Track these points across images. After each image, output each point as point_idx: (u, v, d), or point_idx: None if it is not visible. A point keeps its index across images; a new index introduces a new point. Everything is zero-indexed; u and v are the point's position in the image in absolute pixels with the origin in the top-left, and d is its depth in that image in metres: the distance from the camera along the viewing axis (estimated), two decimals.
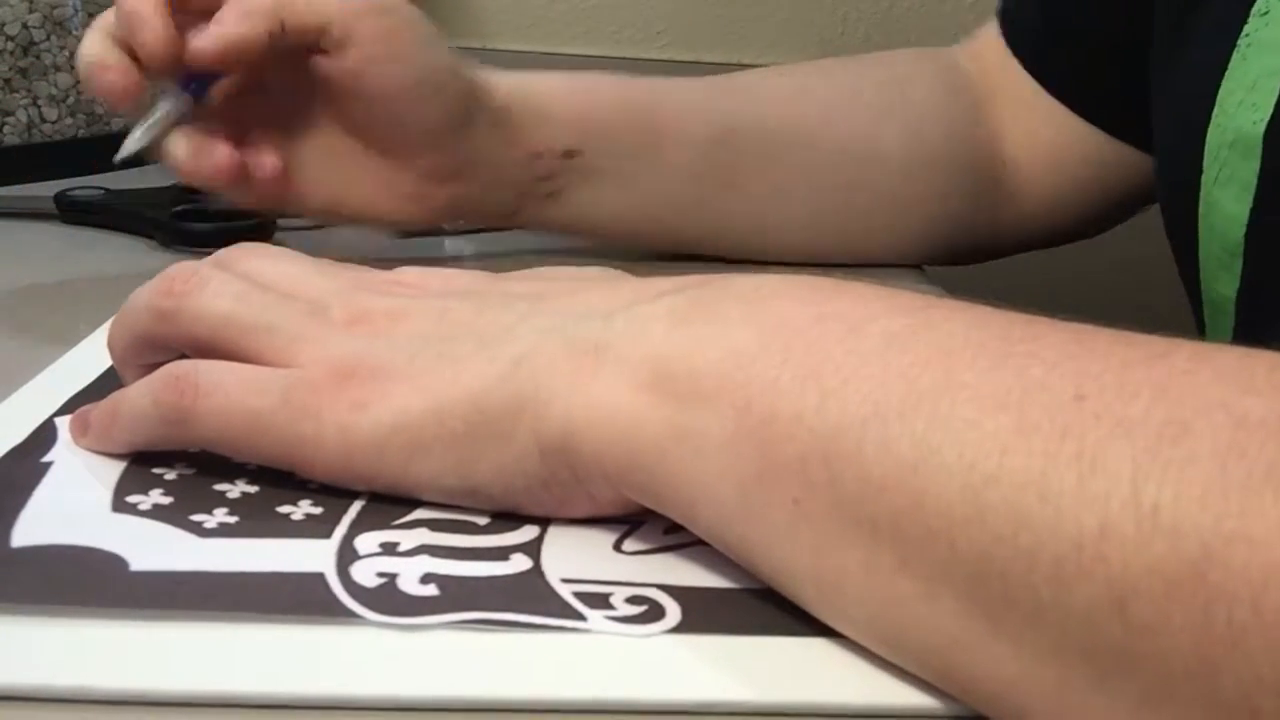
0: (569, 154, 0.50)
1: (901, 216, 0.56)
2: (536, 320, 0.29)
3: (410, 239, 0.56)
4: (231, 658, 0.23)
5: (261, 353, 0.29)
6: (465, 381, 0.28)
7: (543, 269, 0.35)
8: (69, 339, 0.39)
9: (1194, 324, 0.45)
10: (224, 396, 0.29)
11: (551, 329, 0.28)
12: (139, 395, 0.30)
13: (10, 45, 0.62)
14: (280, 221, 0.54)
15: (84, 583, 0.25)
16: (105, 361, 0.37)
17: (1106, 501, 0.20)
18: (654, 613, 0.25)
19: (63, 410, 0.33)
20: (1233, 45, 0.39)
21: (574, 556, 0.27)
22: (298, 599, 0.25)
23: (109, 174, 0.64)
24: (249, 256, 0.33)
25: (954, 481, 0.21)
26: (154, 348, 0.31)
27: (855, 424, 0.23)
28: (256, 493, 0.29)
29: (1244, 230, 0.38)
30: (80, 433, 0.31)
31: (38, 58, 0.63)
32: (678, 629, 0.25)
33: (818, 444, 0.23)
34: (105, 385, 0.35)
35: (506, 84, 0.49)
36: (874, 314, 0.25)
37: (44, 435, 0.32)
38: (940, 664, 0.23)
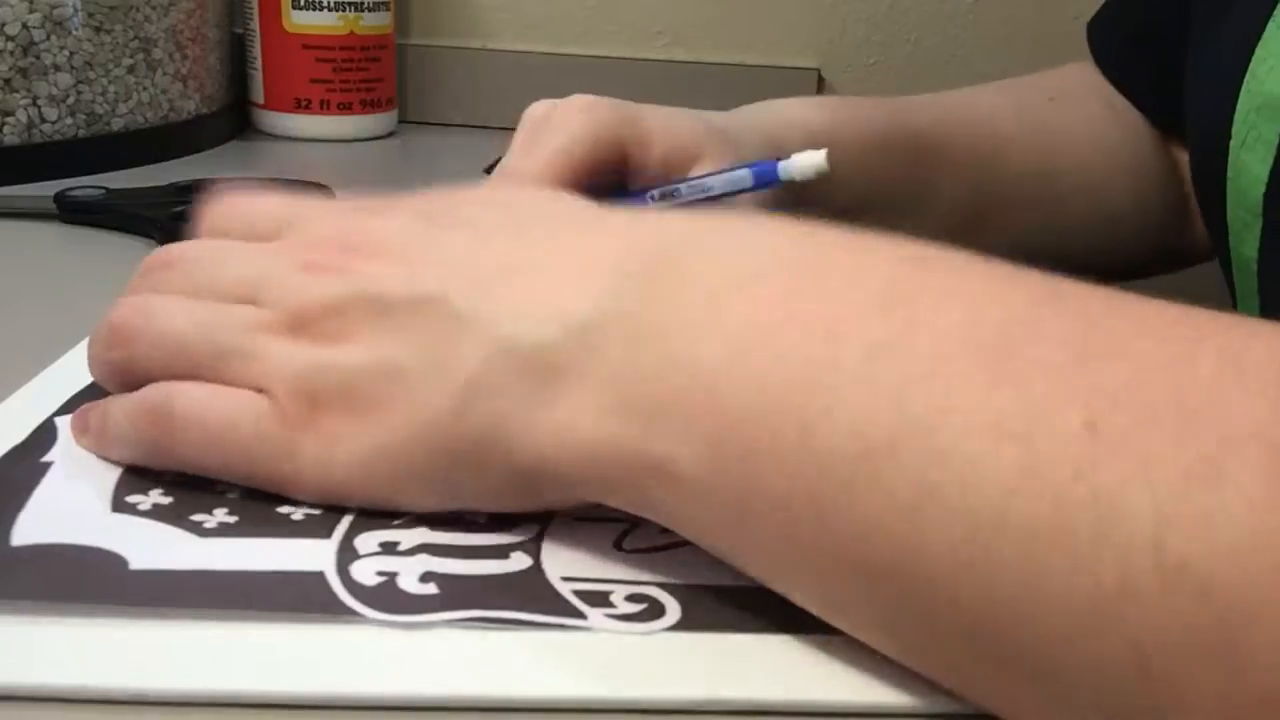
0: (842, 213, 0.49)
1: (1122, 242, 0.56)
2: (480, 331, 0.26)
3: None
4: (232, 657, 0.23)
5: (221, 378, 0.29)
6: (425, 417, 0.27)
7: (478, 197, 0.32)
8: (69, 339, 0.39)
9: (1213, 291, 0.45)
10: (200, 431, 0.29)
11: (498, 346, 0.26)
12: (122, 418, 0.30)
13: (10, 45, 0.62)
14: None
15: (84, 581, 0.25)
16: None
17: (1126, 554, 0.18)
18: (654, 610, 0.25)
19: (62, 410, 0.33)
20: (1269, 14, 0.39)
21: (574, 554, 0.27)
22: (298, 598, 0.25)
23: (109, 174, 0.65)
24: (184, 255, 0.32)
25: (956, 528, 0.20)
26: (123, 381, 0.31)
27: (843, 461, 0.21)
28: (256, 492, 0.29)
29: (1264, 190, 0.38)
30: (80, 431, 0.31)
31: (38, 58, 0.63)
32: (677, 626, 0.25)
33: (802, 483, 0.22)
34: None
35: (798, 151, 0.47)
36: (852, 314, 0.23)
37: (44, 435, 0.32)
38: (952, 686, 0.22)
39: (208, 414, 0.29)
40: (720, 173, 0.40)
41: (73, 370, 0.36)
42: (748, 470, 0.23)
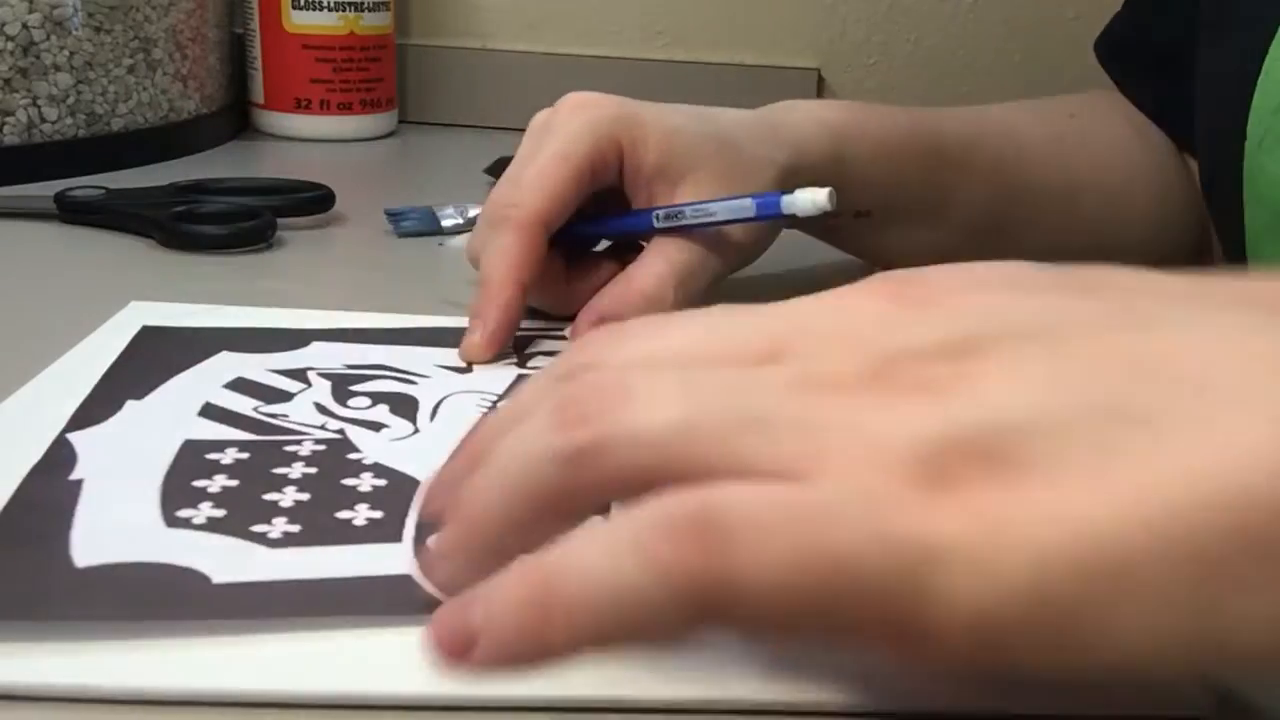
0: (859, 214, 0.47)
1: (1143, 264, 0.55)
2: (1257, 336, 0.17)
3: (406, 238, 0.56)
4: (233, 658, 0.23)
5: (758, 461, 0.18)
6: (1205, 464, 0.16)
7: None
8: (69, 339, 0.39)
9: None
10: (773, 544, 0.17)
11: None
12: (618, 564, 0.18)
13: (10, 45, 0.62)
14: (279, 221, 0.54)
15: (171, 599, 0.25)
16: (105, 362, 0.37)
17: None
18: None
19: (72, 426, 0.33)
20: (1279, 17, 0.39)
21: None
22: (395, 600, 0.25)
23: (109, 174, 0.65)
24: (639, 334, 0.22)
25: None
26: (559, 513, 0.20)
27: None
28: (309, 500, 0.29)
29: None
30: (454, 652, 0.19)
31: (38, 58, 0.63)
32: None
33: None
34: (104, 395, 0.35)
35: (821, 151, 0.45)
36: None
37: (62, 452, 0.31)
38: None
39: (775, 513, 0.18)
40: (725, 200, 0.41)
41: (73, 370, 0.36)
42: None
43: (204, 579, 0.25)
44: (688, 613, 0.18)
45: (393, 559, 0.27)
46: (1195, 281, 0.20)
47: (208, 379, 0.36)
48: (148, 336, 0.40)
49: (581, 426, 0.19)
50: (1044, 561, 0.16)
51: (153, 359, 0.38)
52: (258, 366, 0.38)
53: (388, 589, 0.25)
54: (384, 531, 0.28)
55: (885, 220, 0.49)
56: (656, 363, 0.21)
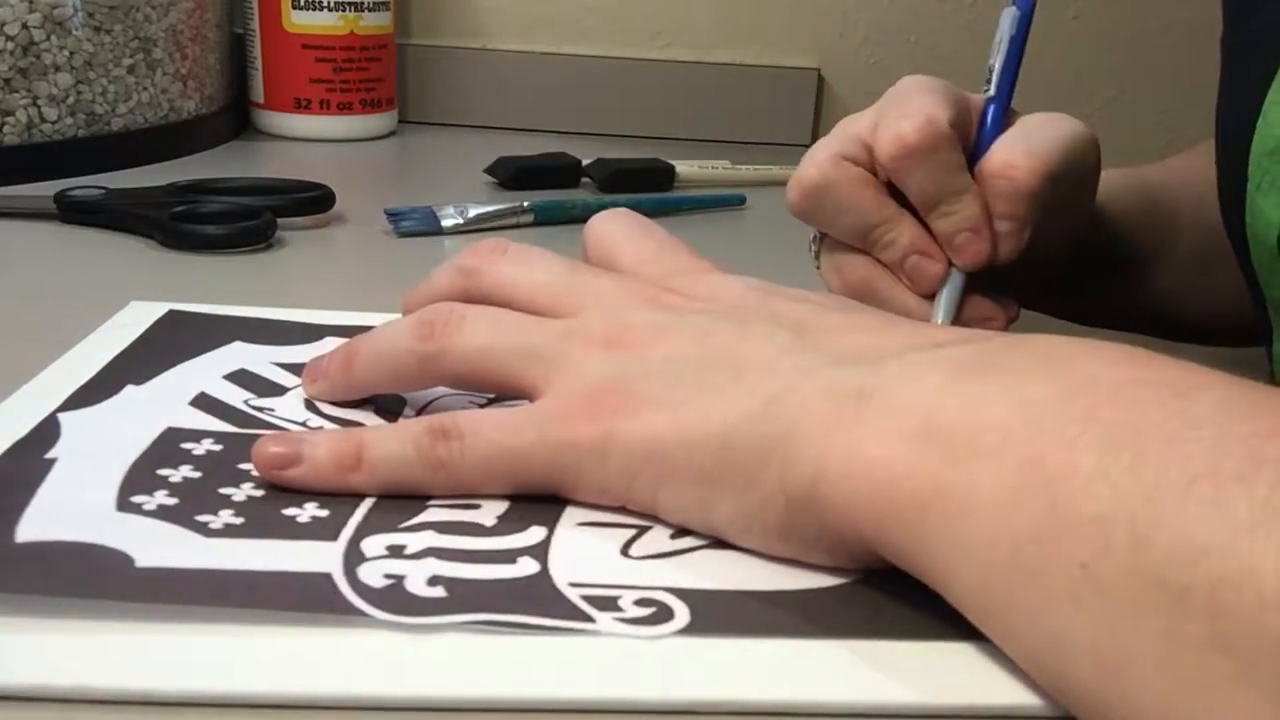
0: (1098, 262, 0.47)
1: None
2: (798, 356, 0.28)
3: (406, 238, 0.56)
4: (234, 658, 0.23)
5: (522, 379, 0.30)
6: (717, 415, 0.27)
7: (818, 295, 0.33)
8: (69, 339, 0.39)
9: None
10: (485, 440, 0.29)
11: (813, 368, 0.27)
12: (399, 443, 0.30)
13: (10, 45, 0.62)
14: (280, 221, 0.54)
15: (89, 578, 0.25)
16: (105, 360, 0.37)
17: None
18: (662, 614, 0.25)
19: (65, 406, 0.33)
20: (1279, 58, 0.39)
21: (581, 560, 0.27)
22: (305, 598, 0.25)
23: (109, 174, 0.65)
24: (498, 264, 0.33)
25: None
26: (411, 387, 0.34)
27: (1178, 484, 0.20)
28: (263, 496, 0.29)
29: (1278, 234, 0.38)
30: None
31: (38, 58, 0.63)
32: (686, 630, 0.25)
33: (1125, 503, 0.21)
34: (106, 379, 0.35)
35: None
36: (1206, 382, 0.22)
37: (47, 431, 0.32)
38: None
39: (491, 425, 0.29)
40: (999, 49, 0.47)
41: (73, 369, 0.36)
42: (1061, 490, 0.22)
43: (128, 561, 0.26)
44: (428, 473, 0.29)
45: (320, 557, 0.26)
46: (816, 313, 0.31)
47: (211, 368, 0.37)
48: (170, 320, 0.40)
49: (430, 340, 0.31)
50: (631, 455, 0.28)
51: (166, 344, 0.38)
52: (263, 359, 0.38)
53: (302, 586, 0.25)
54: (323, 530, 0.28)
55: (1111, 273, 0.49)
56: (493, 288, 0.33)
